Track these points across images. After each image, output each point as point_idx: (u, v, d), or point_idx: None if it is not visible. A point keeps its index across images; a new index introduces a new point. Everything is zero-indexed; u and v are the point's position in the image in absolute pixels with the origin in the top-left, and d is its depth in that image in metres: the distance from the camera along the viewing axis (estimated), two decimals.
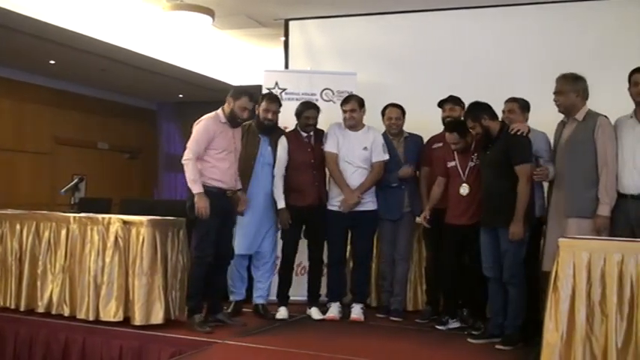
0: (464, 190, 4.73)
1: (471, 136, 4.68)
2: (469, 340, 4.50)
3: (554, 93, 4.36)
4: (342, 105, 5.19)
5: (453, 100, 5.09)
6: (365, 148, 5.10)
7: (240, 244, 5.04)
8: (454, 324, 4.84)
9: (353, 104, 5.12)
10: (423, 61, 6.38)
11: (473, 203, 4.69)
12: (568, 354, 3.23)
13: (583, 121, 4.29)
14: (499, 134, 4.41)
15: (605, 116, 4.28)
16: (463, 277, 4.78)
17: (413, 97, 5.56)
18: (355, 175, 5.08)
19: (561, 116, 4.49)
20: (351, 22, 6.71)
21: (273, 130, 5.13)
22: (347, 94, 5.51)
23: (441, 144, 5.05)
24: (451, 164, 4.84)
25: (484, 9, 6.24)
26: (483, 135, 4.46)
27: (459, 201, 4.76)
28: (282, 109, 5.25)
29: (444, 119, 5.07)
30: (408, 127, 5.35)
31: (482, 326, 4.67)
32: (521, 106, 4.75)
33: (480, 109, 4.46)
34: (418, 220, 5.16)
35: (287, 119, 5.35)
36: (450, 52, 6.29)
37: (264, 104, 5.07)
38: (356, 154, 5.09)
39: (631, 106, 4.26)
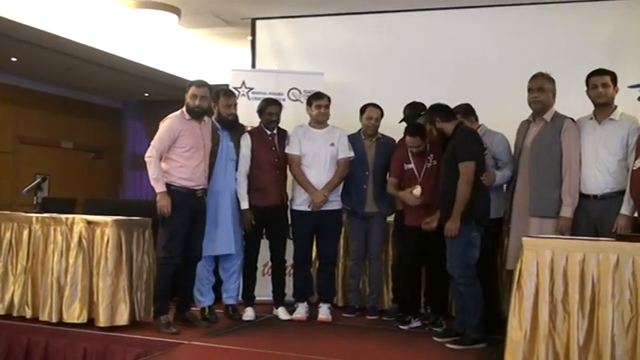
0: (417, 191, 4.79)
1: (428, 139, 4.76)
2: (434, 338, 4.54)
3: (536, 89, 4.39)
4: (313, 100, 5.14)
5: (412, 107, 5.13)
6: (332, 144, 5.11)
7: (206, 245, 4.91)
8: (416, 323, 4.89)
9: (326, 100, 5.14)
10: (390, 61, 6.41)
11: (431, 204, 4.75)
12: (531, 351, 3.28)
13: (551, 122, 4.36)
14: (453, 134, 4.43)
15: (572, 119, 4.37)
16: (426, 275, 4.85)
17: (380, 97, 5.56)
18: (323, 172, 5.09)
19: (524, 116, 4.55)
20: (318, 22, 6.72)
21: (235, 125, 5.08)
22: None
23: (398, 148, 5.12)
24: (408, 167, 4.91)
25: (452, 10, 6.29)
26: (440, 136, 4.51)
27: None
28: (248, 109, 5.24)
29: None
30: (385, 127, 5.38)
31: (444, 323, 4.75)
32: (462, 114, 4.73)
33: (433, 111, 4.50)
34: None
35: (253, 118, 5.32)
36: (418, 52, 6.33)
37: (223, 100, 4.99)
38: (323, 151, 5.10)
39: (591, 107, 4.35)
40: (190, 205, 4.60)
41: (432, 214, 4.64)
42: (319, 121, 5.15)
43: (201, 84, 4.69)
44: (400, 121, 5.06)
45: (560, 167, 4.27)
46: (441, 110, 4.47)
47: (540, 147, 4.34)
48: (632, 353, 3.10)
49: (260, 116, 5.16)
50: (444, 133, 4.45)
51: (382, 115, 5.29)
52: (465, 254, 4.28)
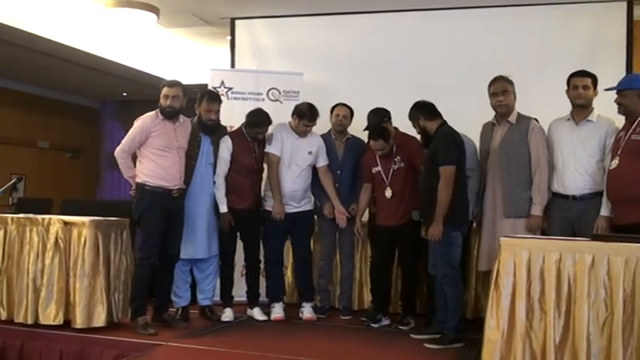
0: (388, 193, 4.86)
1: (394, 141, 4.84)
2: (412, 335, 4.58)
3: (500, 93, 4.43)
4: (305, 119, 5.04)
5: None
6: (310, 153, 5.14)
7: (184, 248, 4.87)
8: (386, 321, 4.95)
9: (315, 120, 5.08)
10: (370, 62, 6.42)
11: (401, 204, 4.84)
12: (508, 350, 3.30)
13: (516, 124, 4.42)
14: (435, 134, 4.44)
15: (536, 119, 4.43)
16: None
17: (358, 98, 5.60)
18: (299, 178, 5.11)
19: (486, 119, 4.58)
20: (297, 22, 6.71)
21: (215, 130, 5.03)
22: (294, 94, 5.53)
23: (366, 151, 5.14)
24: (375, 169, 4.96)
25: (430, 11, 6.33)
26: (422, 135, 4.53)
27: (386, 204, 4.90)
28: (227, 108, 5.22)
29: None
30: (354, 127, 5.41)
31: (412, 321, 4.85)
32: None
33: (418, 108, 4.51)
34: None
35: (232, 118, 5.30)
36: (397, 53, 6.36)
37: (205, 104, 4.94)
38: (301, 159, 5.13)
39: (564, 108, 4.39)
40: (166, 206, 4.58)
41: (402, 214, 4.78)
42: (301, 135, 5.13)
43: (173, 84, 4.67)
44: (364, 129, 5.08)
45: (530, 167, 4.33)
46: (425, 108, 4.48)
47: (509, 149, 4.39)
48: (607, 351, 3.14)
49: (247, 127, 5.05)
50: (426, 131, 4.46)
51: (352, 114, 5.34)
52: (447, 254, 4.32)
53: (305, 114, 5.05)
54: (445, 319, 4.40)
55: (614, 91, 4.05)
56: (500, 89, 4.44)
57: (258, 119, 5.02)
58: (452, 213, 4.26)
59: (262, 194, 5.22)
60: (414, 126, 4.56)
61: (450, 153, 4.27)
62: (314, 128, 5.22)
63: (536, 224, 4.29)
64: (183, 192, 4.74)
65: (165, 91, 4.63)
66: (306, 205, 5.19)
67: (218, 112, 5.00)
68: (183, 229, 4.79)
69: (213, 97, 5.03)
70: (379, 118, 5.02)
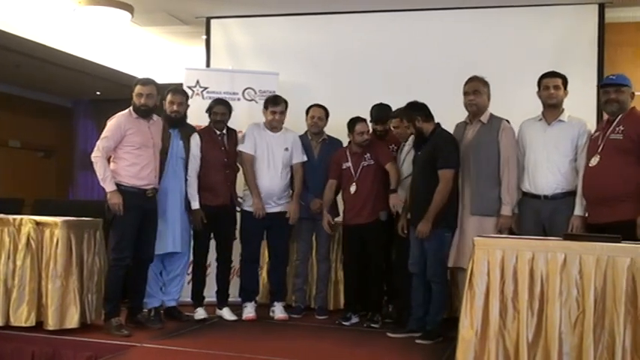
0: (352, 188, 4.94)
1: (368, 139, 4.93)
2: (388, 334, 4.62)
3: (472, 92, 4.48)
4: (269, 105, 5.15)
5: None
6: (286, 149, 5.14)
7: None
8: (355, 319, 5.00)
9: (282, 106, 5.14)
10: (345, 62, 6.44)
11: (367, 202, 4.91)
12: (482, 349, 3.33)
13: (487, 124, 4.47)
14: (430, 135, 4.51)
15: (507, 120, 4.49)
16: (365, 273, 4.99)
17: (334, 98, 5.61)
18: (277, 177, 5.11)
19: (462, 118, 4.64)
20: (273, 22, 6.70)
21: (181, 123, 5.03)
22: (269, 94, 5.51)
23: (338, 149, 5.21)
24: (346, 165, 5.03)
25: (406, 12, 6.36)
26: (417, 135, 4.57)
27: (353, 200, 4.97)
28: (202, 108, 5.22)
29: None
30: (330, 128, 5.42)
31: (380, 319, 4.91)
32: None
33: (415, 109, 4.56)
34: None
35: (207, 117, 5.27)
36: (372, 54, 6.38)
37: (168, 97, 4.95)
38: (277, 156, 5.12)
39: (540, 108, 4.45)
40: (140, 205, 4.54)
41: (368, 213, 4.85)
42: (274, 126, 5.15)
43: (146, 82, 4.65)
44: (371, 121, 5.14)
45: (499, 167, 4.38)
46: (421, 109, 4.55)
47: (478, 148, 4.44)
48: (579, 349, 3.18)
49: (209, 116, 5.15)
50: (422, 132, 4.53)
51: (327, 115, 5.35)
52: (440, 253, 4.41)
53: (269, 100, 5.18)
54: (422, 317, 4.49)
55: (591, 91, 4.08)
56: (472, 89, 4.49)
57: (212, 102, 5.18)
58: (445, 214, 4.38)
59: (242, 194, 5.20)
60: (407, 127, 4.58)
61: (451, 157, 4.41)
62: (289, 122, 5.25)
63: (505, 224, 4.35)
64: (157, 192, 4.71)
65: (138, 89, 4.60)
66: (285, 206, 5.18)
67: (181, 104, 4.99)
68: (157, 230, 4.75)
69: (176, 91, 5.05)
70: (385, 113, 5.14)
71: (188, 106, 5.12)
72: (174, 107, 4.96)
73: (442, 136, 4.49)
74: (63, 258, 4.45)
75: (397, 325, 4.79)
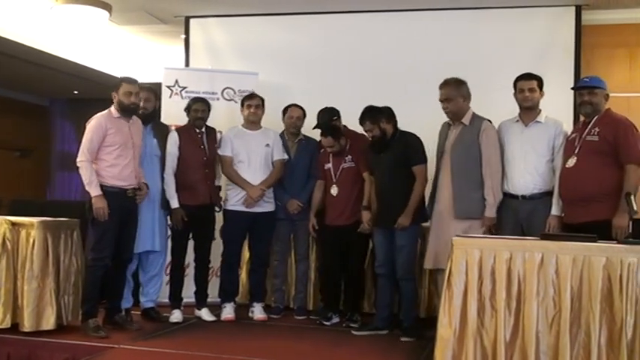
0: (334, 191, 4.97)
1: (345, 139, 4.95)
2: (354, 332, 4.69)
3: (442, 100, 4.51)
4: (245, 100, 5.19)
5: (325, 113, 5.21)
6: (267, 145, 5.14)
7: None
8: (336, 319, 5.02)
9: (257, 100, 5.17)
10: (325, 62, 6.43)
11: (348, 203, 4.93)
12: (460, 348, 3.35)
13: (469, 125, 4.49)
14: (392, 137, 4.58)
15: (489, 120, 4.51)
16: (345, 273, 5.03)
17: (314, 98, 5.60)
18: (258, 173, 5.10)
19: (441, 120, 4.67)
20: (253, 22, 6.67)
21: (152, 121, 5.01)
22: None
23: (322, 150, 5.20)
24: (327, 166, 5.05)
25: (385, 13, 6.36)
26: (380, 137, 4.58)
27: (332, 202, 5.00)
28: (181, 107, 5.24)
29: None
30: (307, 127, 5.43)
31: (359, 319, 4.93)
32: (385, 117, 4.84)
33: (379, 112, 4.60)
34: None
35: (186, 117, 5.23)
36: (352, 54, 6.37)
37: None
38: (257, 152, 5.11)
39: (517, 109, 4.49)
40: (121, 205, 4.51)
41: (349, 214, 4.88)
42: (251, 121, 5.16)
43: (133, 81, 4.61)
44: (314, 127, 5.15)
45: (481, 168, 4.40)
46: (384, 111, 4.61)
47: (460, 150, 4.46)
48: (555, 348, 3.22)
49: (187, 114, 5.14)
50: (385, 133, 4.57)
51: (305, 115, 5.37)
52: (414, 251, 4.56)
53: (245, 97, 5.24)
54: (389, 316, 4.64)
55: (568, 92, 4.13)
56: (443, 97, 4.50)
57: (191, 100, 5.19)
58: (420, 211, 4.55)
59: (225, 195, 5.18)
60: (371, 129, 4.60)
61: (423, 153, 4.59)
62: (269, 122, 5.27)
63: (490, 225, 4.37)
64: (136, 191, 4.66)
65: (126, 88, 4.54)
66: (268, 206, 5.17)
67: (148, 100, 4.91)
68: (136, 230, 4.72)
69: (142, 87, 4.81)
70: (328, 116, 5.13)
71: (158, 103, 5.11)
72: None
73: (409, 135, 4.63)
74: (39, 259, 4.40)
75: (363, 324, 4.86)
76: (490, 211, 4.35)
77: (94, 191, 4.41)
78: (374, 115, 4.60)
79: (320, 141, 5.10)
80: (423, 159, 4.57)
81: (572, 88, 4.14)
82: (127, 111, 4.56)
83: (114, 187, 4.50)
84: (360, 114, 4.70)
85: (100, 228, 4.46)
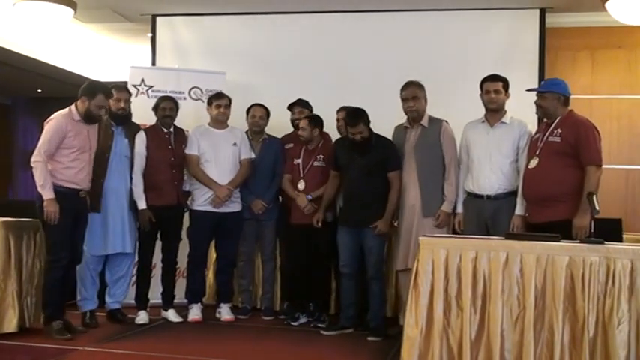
0: (300, 186, 4.97)
1: (319, 137, 4.97)
2: (322, 332, 4.70)
3: (411, 99, 4.55)
4: (213, 100, 5.14)
5: (301, 104, 5.29)
6: (234, 144, 5.12)
7: (95, 244, 4.79)
8: (303, 319, 5.02)
9: (226, 100, 5.14)
10: (293, 62, 6.44)
11: (314, 202, 4.91)
12: (427, 347, 3.37)
13: (429, 127, 4.59)
14: (368, 140, 4.59)
15: (446, 121, 4.61)
16: (313, 273, 5.01)
17: (281, 98, 5.59)
18: (225, 172, 5.07)
19: (401, 120, 4.71)
20: (220, 21, 6.65)
21: (127, 121, 4.98)
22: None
23: (292, 144, 5.19)
24: (296, 161, 5.06)
25: (352, 14, 6.41)
26: (368, 139, 4.59)
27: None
28: (148, 107, 5.18)
29: (292, 121, 5.30)
30: (275, 127, 5.44)
31: (327, 318, 4.94)
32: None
33: (365, 113, 4.60)
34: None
35: (153, 116, 5.18)
36: (319, 54, 6.40)
37: (114, 94, 4.79)
38: (224, 151, 5.09)
39: (483, 110, 4.54)
40: (73, 207, 4.44)
41: (316, 212, 4.86)
42: (219, 120, 5.13)
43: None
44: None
45: (444, 168, 4.48)
46: (365, 114, 4.59)
47: (423, 151, 4.55)
48: (520, 346, 3.26)
49: (155, 113, 5.11)
50: (365, 136, 4.58)
51: (268, 114, 5.34)
52: (383, 250, 4.66)
53: (212, 96, 5.22)
54: (353, 315, 4.68)
55: (533, 93, 4.18)
56: (411, 95, 4.57)
57: (159, 99, 5.17)
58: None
59: (192, 196, 5.15)
60: (362, 131, 4.54)
61: (399, 159, 4.61)
62: (236, 121, 5.26)
63: (445, 220, 4.48)
64: (88, 193, 4.61)
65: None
66: (235, 206, 5.14)
67: (127, 101, 4.95)
68: (86, 230, 4.65)
69: (121, 88, 5.01)
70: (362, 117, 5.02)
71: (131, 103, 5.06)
72: (121, 104, 4.89)
73: (386, 141, 4.67)
74: (1, 260, 4.33)
75: (330, 323, 4.87)
76: (445, 207, 4.47)
77: (47, 194, 4.33)
78: (364, 116, 4.60)
79: (283, 138, 5.16)
80: (400, 165, 4.59)
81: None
82: (89, 120, 4.50)
83: (67, 189, 4.43)
84: (348, 115, 4.66)
85: (56, 230, 4.37)
